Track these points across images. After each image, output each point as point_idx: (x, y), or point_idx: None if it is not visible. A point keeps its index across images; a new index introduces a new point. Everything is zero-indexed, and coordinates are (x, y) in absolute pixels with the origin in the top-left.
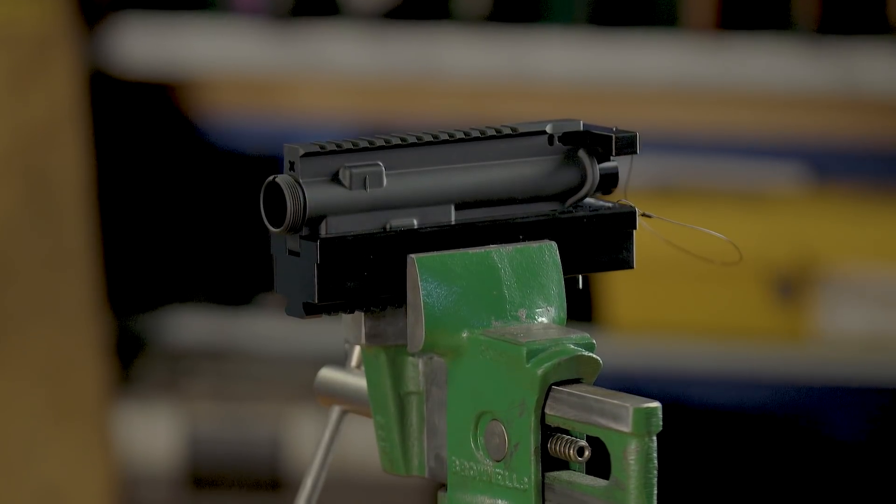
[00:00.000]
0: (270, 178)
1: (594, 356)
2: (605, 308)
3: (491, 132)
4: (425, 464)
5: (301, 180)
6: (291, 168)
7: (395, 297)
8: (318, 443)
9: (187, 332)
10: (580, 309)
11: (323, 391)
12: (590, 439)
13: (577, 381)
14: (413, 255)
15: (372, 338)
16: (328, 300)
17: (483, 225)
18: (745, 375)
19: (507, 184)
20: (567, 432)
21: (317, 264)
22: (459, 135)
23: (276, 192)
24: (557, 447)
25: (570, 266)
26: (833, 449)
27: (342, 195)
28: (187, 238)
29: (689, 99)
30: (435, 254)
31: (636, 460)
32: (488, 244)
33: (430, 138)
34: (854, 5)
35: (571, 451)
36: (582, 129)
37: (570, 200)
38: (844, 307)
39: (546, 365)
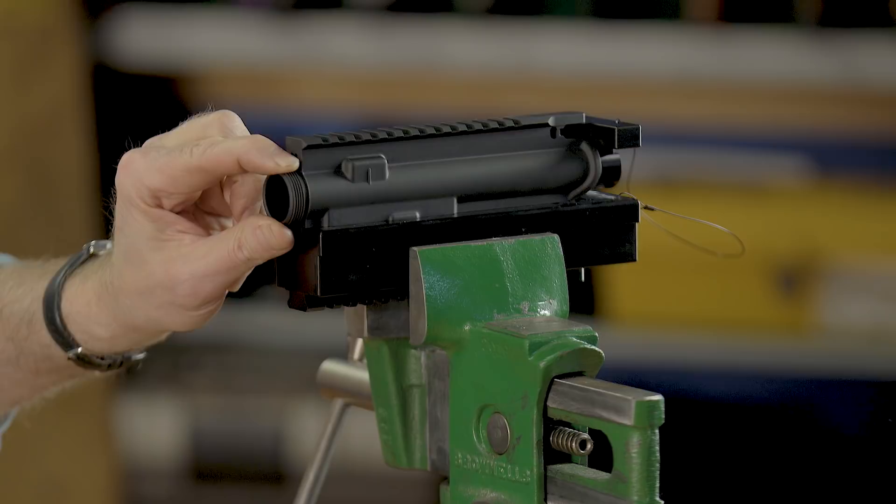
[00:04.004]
0: None
1: (596, 349)
2: (608, 301)
3: (493, 125)
4: (427, 457)
5: (304, 173)
6: None
7: (398, 290)
8: (320, 436)
9: None
10: (582, 301)
11: (325, 384)
12: (592, 432)
13: (579, 373)
14: (416, 248)
15: (374, 330)
16: (331, 293)
17: (485, 218)
18: (747, 368)
19: (509, 176)
20: (569, 425)
21: (319, 257)
22: (462, 127)
23: (278, 184)
24: (560, 440)
25: (573, 259)
26: (835, 441)
27: (345, 188)
28: None
29: (691, 92)
30: (437, 246)
31: (638, 453)
32: (491, 237)
33: (432, 131)
34: None
35: (574, 444)
36: (584, 121)
37: (573, 193)
38: (846, 300)
39: (548, 358)
